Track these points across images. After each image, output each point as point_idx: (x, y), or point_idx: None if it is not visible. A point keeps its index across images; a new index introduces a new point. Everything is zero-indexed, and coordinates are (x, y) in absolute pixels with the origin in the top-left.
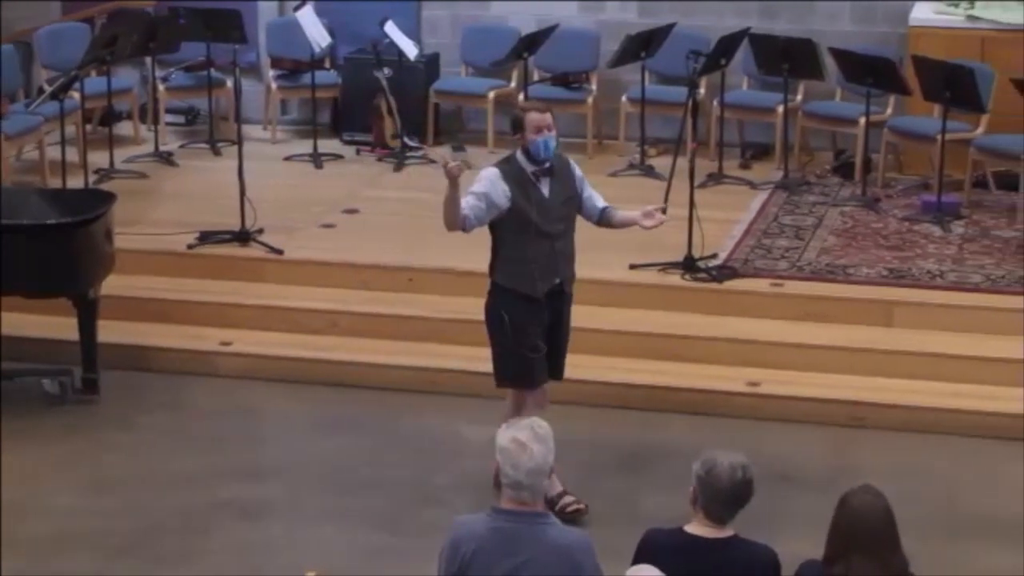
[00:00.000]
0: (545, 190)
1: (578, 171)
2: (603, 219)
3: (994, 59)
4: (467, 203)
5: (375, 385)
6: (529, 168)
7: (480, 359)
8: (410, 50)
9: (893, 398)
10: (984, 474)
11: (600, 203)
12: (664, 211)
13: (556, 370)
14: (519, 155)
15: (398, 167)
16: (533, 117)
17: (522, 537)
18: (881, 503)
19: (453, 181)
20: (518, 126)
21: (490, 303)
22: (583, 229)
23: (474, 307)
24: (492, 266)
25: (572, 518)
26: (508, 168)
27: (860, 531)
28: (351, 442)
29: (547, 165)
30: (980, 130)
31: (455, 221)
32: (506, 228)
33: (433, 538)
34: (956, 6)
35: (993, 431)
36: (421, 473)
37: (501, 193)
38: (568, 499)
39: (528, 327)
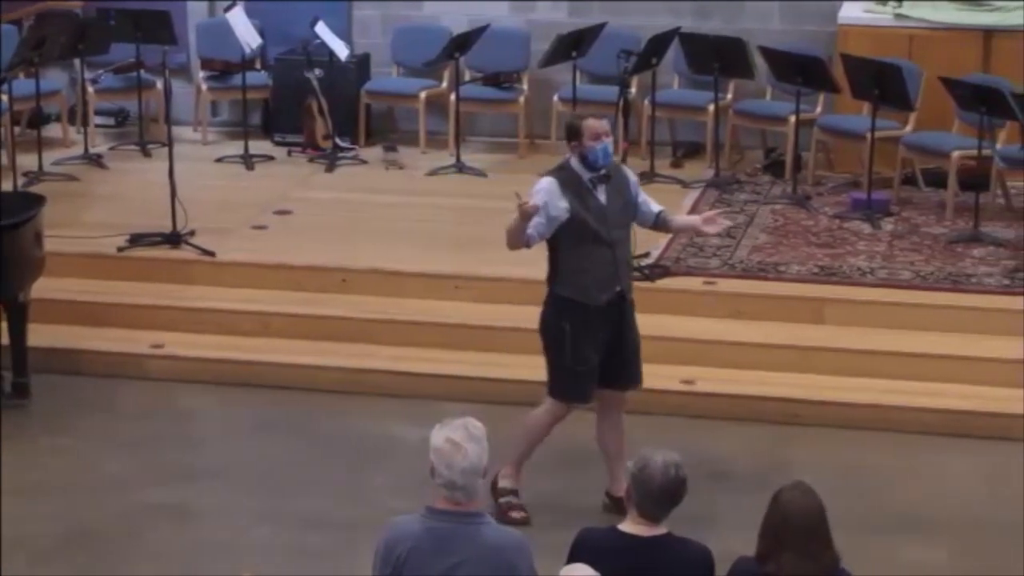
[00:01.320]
0: (603, 197)
1: (632, 176)
2: (659, 223)
3: (922, 57)
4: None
5: (308, 387)
6: (586, 175)
7: (412, 359)
8: (341, 51)
9: (826, 395)
10: (917, 470)
11: (655, 207)
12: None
13: (629, 377)
14: (574, 162)
15: (330, 168)
16: (591, 124)
17: (457, 537)
18: (813, 500)
19: (526, 218)
20: (574, 134)
21: (549, 314)
22: (505, 224)
23: (407, 307)
24: (550, 276)
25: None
26: (564, 176)
27: (791, 528)
28: (284, 444)
29: (604, 172)
30: (909, 128)
31: (519, 245)
32: (565, 237)
33: (367, 539)
34: (884, 5)
35: (926, 427)
36: (354, 474)
37: (560, 204)
38: (514, 501)
39: (586, 338)
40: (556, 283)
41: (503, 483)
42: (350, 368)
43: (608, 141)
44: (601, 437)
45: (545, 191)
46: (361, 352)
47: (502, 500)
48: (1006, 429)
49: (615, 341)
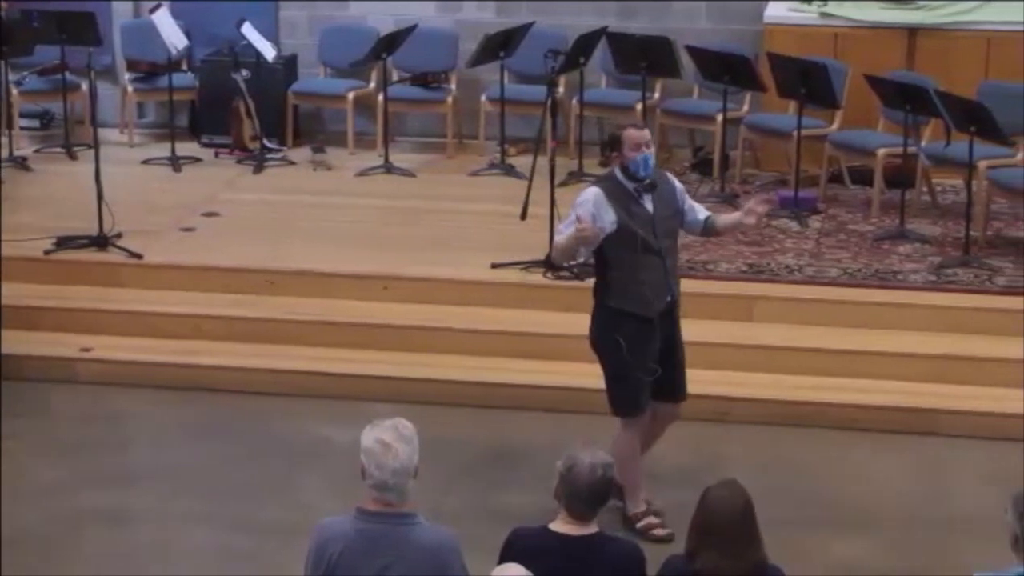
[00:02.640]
0: (649, 206)
1: (678, 184)
2: (707, 229)
3: (847, 56)
4: (586, 220)
5: (239, 389)
6: (630, 185)
7: (342, 360)
8: (268, 51)
9: (756, 392)
10: (846, 466)
11: (702, 214)
12: (767, 201)
13: (678, 390)
14: (617, 172)
15: (257, 169)
16: (631, 134)
17: (388, 538)
18: (739, 498)
19: (586, 243)
20: (615, 144)
21: (601, 328)
22: (439, 224)
23: (336, 308)
24: (598, 288)
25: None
26: (609, 187)
27: (717, 525)
28: (215, 446)
29: (648, 181)
30: (835, 126)
31: (568, 259)
32: (613, 248)
33: (299, 541)
34: (809, 4)
35: (855, 423)
36: (286, 475)
37: (607, 216)
38: (653, 520)
39: (646, 349)
40: (607, 296)
41: (633, 510)
42: (280, 370)
43: (650, 152)
44: (645, 451)
45: (592, 202)
46: (291, 354)
47: (640, 524)
48: (933, 424)
49: (666, 352)
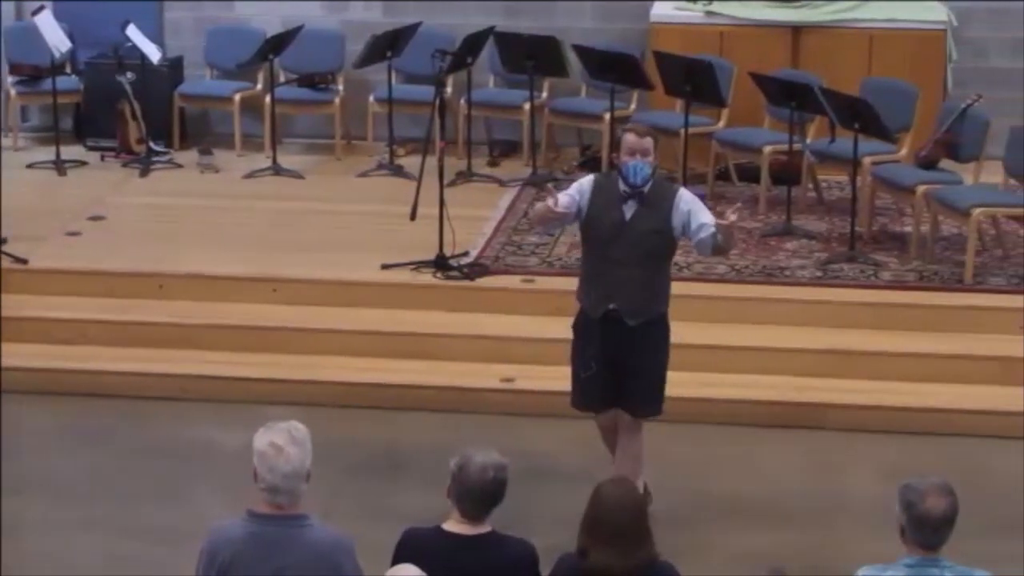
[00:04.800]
0: (628, 213)
1: (685, 207)
2: (716, 249)
3: (733, 54)
4: (562, 201)
5: (128, 394)
6: (622, 187)
7: (232, 364)
8: (153, 53)
9: None
10: (733, 460)
11: (707, 232)
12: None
13: (633, 402)
14: (619, 174)
15: (144, 172)
16: (628, 139)
17: (280, 541)
18: (629, 495)
19: (541, 216)
20: (616, 144)
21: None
22: (328, 225)
23: (225, 312)
24: None
25: None
26: (604, 180)
27: (607, 523)
28: (105, 452)
29: (639, 189)
30: (721, 123)
31: (542, 228)
32: (583, 241)
33: (191, 545)
34: (695, 3)
35: (742, 418)
36: (176, 480)
37: (585, 200)
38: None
39: (585, 345)
40: (577, 285)
41: None
42: (170, 374)
43: (644, 161)
44: (615, 462)
45: (578, 184)
46: (180, 357)
47: None
48: (821, 419)
49: (622, 363)
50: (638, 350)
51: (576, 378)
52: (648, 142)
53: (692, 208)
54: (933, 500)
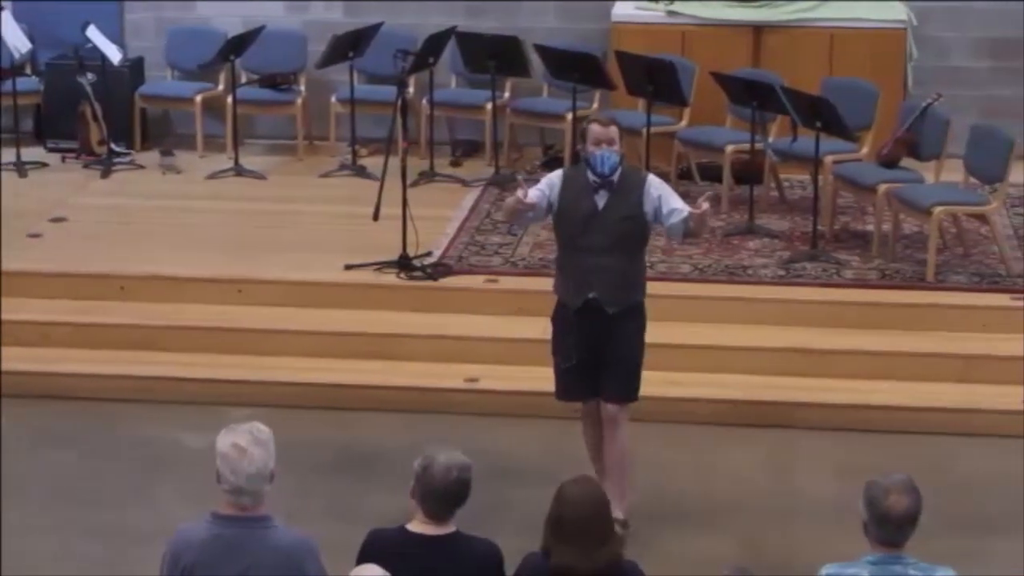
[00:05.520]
0: (600, 203)
1: (654, 191)
2: (687, 233)
3: (695, 53)
4: (531, 195)
5: (91, 396)
6: (591, 178)
7: (196, 365)
8: (114, 54)
9: None
10: (698, 460)
11: (678, 217)
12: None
13: (610, 389)
14: (587, 164)
15: (105, 173)
16: (594, 129)
17: (244, 542)
18: (592, 494)
19: (510, 210)
20: (582, 136)
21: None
22: (291, 226)
23: (189, 313)
24: None
25: None
26: (573, 173)
27: (571, 522)
28: (69, 454)
29: (609, 178)
30: (683, 123)
31: (512, 221)
32: (557, 234)
33: (155, 547)
34: (657, 3)
35: (706, 417)
36: (140, 482)
37: (555, 194)
38: None
39: (563, 336)
40: (554, 278)
41: None
42: (133, 376)
43: (611, 150)
44: (603, 453)
45: (547, 178)
46: (144, 359)
47: None
48: (786, 417)
49: (600, 351)
50: (616, 338)
51: (557, 369)
52: (613, 131)
53: (662, 193)
54: (896, 498)
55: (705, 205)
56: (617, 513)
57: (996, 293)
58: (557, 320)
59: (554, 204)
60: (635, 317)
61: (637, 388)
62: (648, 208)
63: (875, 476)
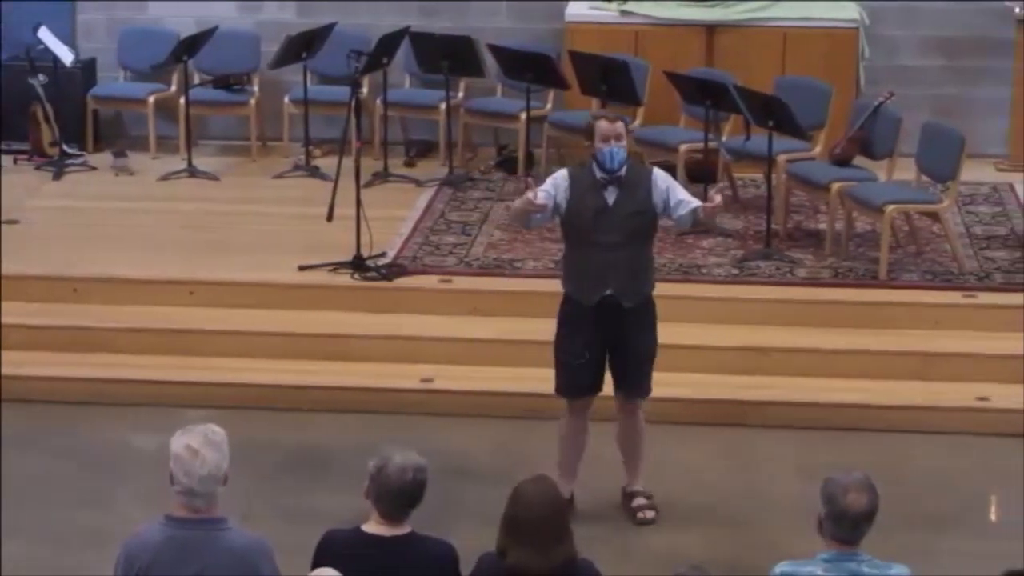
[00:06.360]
0: (610, 199)
1: (661, 184)
2: (695, 221)
3: (648, 53)
4: (540, 196)
5: (44, 398)
6: (598, 174)
7: (150, 367)
8: (65, 56)
9: None
10: (656, 458)
11: (686, 208)
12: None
13: (629, 385)
14: (593, 162)
15: (57, 175)
16: (601, 126)
17: (198, 545)
18: (548, 493)
19: (519, 212)
20: (588, 134)
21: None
22: (245, 227)
23: (142, 315)
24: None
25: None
26: (579, 172)
27: (526, 521)
28: (24, 457)
29: (617, 174)
30: (637, 122)
31: (520, 223)
32: (566, 232)
33: (110, 549)
34: (610, 2)
35: (660, 416)
36: (94, 484)
37: (562, 195)
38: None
39: (575, 334)
40: (562, 277)
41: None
42: (86, 378)
43: (619, 145)
44: (617, 439)
45: (552, 179)
46: (97, 361)
47: None
48: (740, 416)
49: (617, 346)
50: (632, 332)
51: (565, 367)
52: (620, 127)
53: (669, 186)
54: (855, 496)
55: (717, 198)
56: (637, 487)
57: (948, 291)
58: (566, 318)
59: (561, 205)
60: (649, 310)
61: (651, 380)
62: (657, 201)
63: (834, 473)
